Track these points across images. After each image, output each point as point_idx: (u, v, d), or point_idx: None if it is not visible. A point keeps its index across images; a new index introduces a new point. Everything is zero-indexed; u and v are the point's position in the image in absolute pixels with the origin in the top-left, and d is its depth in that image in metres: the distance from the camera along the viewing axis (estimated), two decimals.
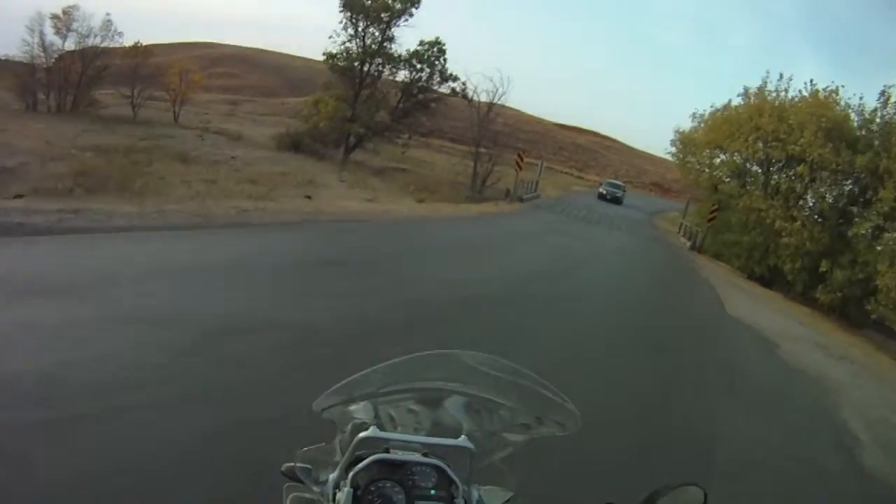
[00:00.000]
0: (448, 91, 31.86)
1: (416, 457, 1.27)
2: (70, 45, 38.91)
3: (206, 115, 44.19)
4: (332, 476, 1.21)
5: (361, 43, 29.82)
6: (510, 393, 1.32)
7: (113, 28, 38.90)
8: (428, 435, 1.34)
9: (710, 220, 27.70)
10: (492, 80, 30.53)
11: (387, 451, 1.27)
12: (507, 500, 1.37)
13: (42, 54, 38.79)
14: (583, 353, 8.53)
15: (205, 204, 11.89)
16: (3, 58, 43.10)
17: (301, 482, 1.24)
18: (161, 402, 4.49)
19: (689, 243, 29.41)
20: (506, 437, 1.37)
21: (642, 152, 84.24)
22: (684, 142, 32.63)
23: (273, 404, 4.65)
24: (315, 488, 1.22)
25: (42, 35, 38.44)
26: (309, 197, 14.86)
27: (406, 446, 1.30)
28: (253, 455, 3.62)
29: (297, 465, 1.26)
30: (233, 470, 3.80)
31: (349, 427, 1.31)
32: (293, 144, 27.51)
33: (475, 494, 1.27)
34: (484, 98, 30.43)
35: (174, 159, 17.42)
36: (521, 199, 28.78)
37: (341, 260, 10.45)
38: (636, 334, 10.67)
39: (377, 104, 29.78)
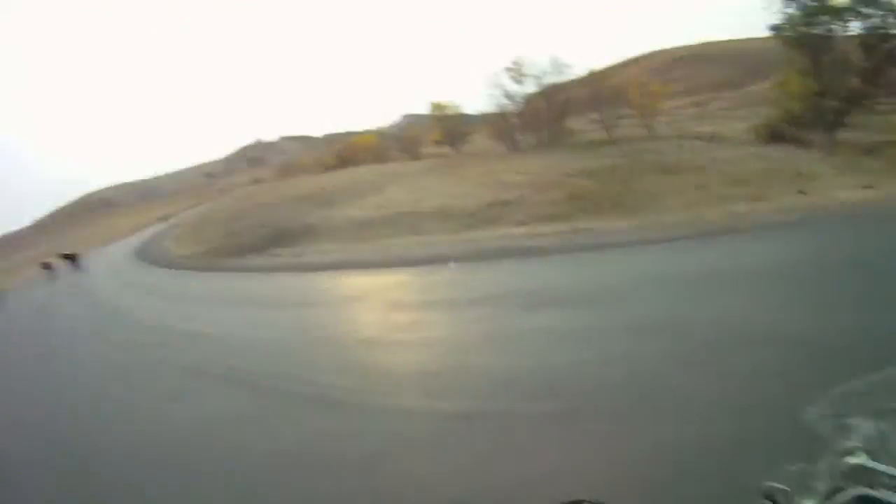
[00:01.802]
0: None
1: None
2: (530, 87, 45.23)
3: (676, 122, 44.57)
4: None
5: (799, 3, 25.45)
6: None
7: (561, 63, 43.44)
8: None
9: None
10: None
11: (872, 486, 1.07)
12: None
13: (509, 102, 46.21)
14: None
15: (699, 212, 11.57)
16: (479, 113, 53.02)
17: None
18: (667, 410, 4.22)
19: None
20: None
21: None
22: None
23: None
24: None
25: (503, 86, 45.92)
26: (803, 192, 13.00)
27: None
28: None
29: (777, 485, 1.16)
30: None
31: (839, 448, 1.16)
32: (771, 135, 24.88)
33: None
34: None
35: (657, 171, 17.63)
36: None
37: (854, 262, 8.26)
38: None
39: (841, 69, 24.63)
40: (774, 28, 26.34)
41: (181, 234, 36.87)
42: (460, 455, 4.18)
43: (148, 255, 30.09)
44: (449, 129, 59.00)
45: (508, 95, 45.45)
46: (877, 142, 22.63)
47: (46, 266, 36.30)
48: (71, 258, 35.45)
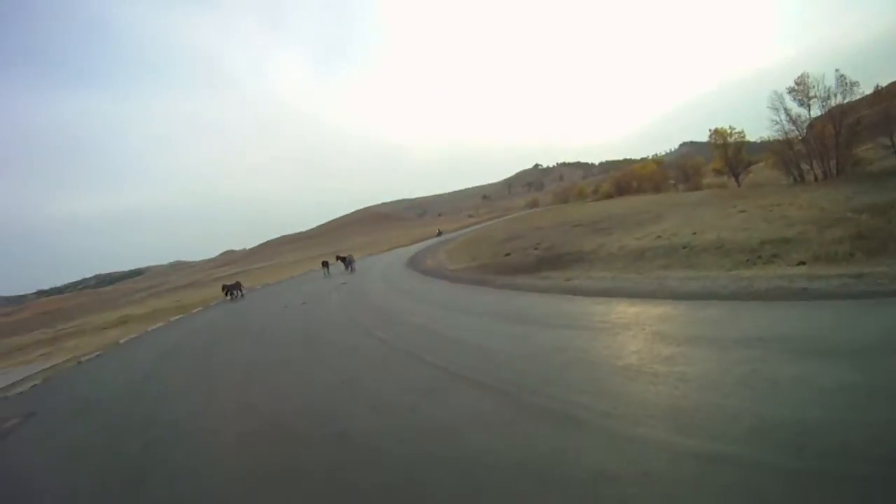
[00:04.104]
0: None
1: None
2: (815, 111, 40.24)
3: None
4: None
5: None
6: None
7: (847, 80, 37.96)
8: None
9: None
10: None
11: None
12: None
13: (793, 127, 41.59)
14: None
15: None
16: (761, 140, 48.29)
17: None
18: None
19: None
20: None
21: None
22: None
23: None
24: None
25: (786, 110, 41.42)
26: None
27: None
28: None
29: None
30: None
31: None
32: None
33: None
34: None
35: None
36: None
37: None
38: None
39: None
40: None
41: (454, 248, 39.70)
42: (695, 496, 4.73)
43: (418, 265, 32.58)
44: (729, 157, 56.03)
45: (792, 120, 41.61)
46: None
47: (325, 264, 43.79)
48: (344, 259, 41.95)
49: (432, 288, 21.55)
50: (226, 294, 39.80)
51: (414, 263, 34.47)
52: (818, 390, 6.17)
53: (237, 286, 40.61)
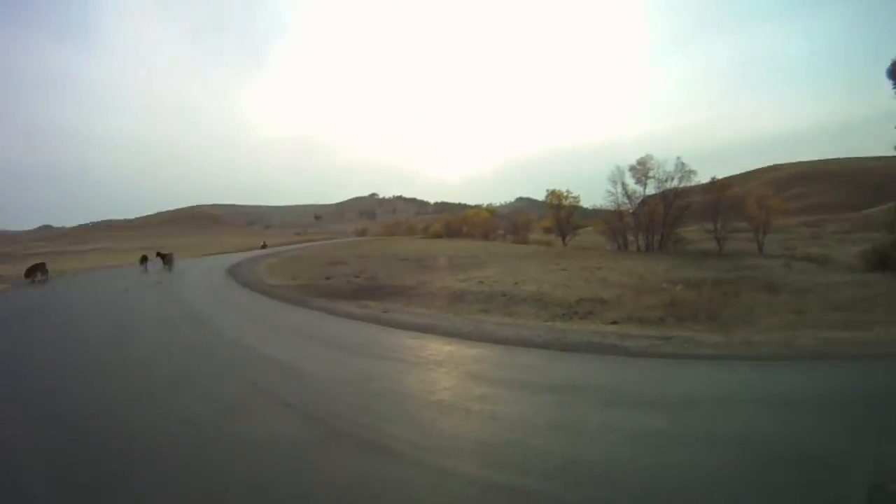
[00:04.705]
0: None
1: None
2: (650, 189, 45.40)
3: (790, 240, 43.33)
4: None
5: None
6: None
7: (685, 168, 43.59)
8: None
9: None
10: None
11: None
12: None
13: (627, 201, 46.59)
14: None
15: (793, 335, 11.40)
16: (593, 207, 53.51)
17: None
18: None
19: None
20: None
21: None
22: None
23: None
24: None
25: (624, 185, 46.43)
26: None
27: None
28: None
29: None
30: None
31: None
32: (879, 261, 23.30)
33: None
34: None
35: (760, 289, 17.48)
36: None
37: None
38: None
39: None
40: None
41: (276, 263, 38.74)
42: None
43: (239, 276, 31.28)
44: (560, 218, 60.14)
45: (628, 194, 46.18)
46: None
47: (144, 259, 40.50)
48: (164, 257, 39.36)
49: (250, 301, 20.50)
50: (27, 276, 34.33)
51: (235, 273, 32.98)
52: (624, 435, 6.39)
53: (41, 268, 35.26)
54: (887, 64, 25.77)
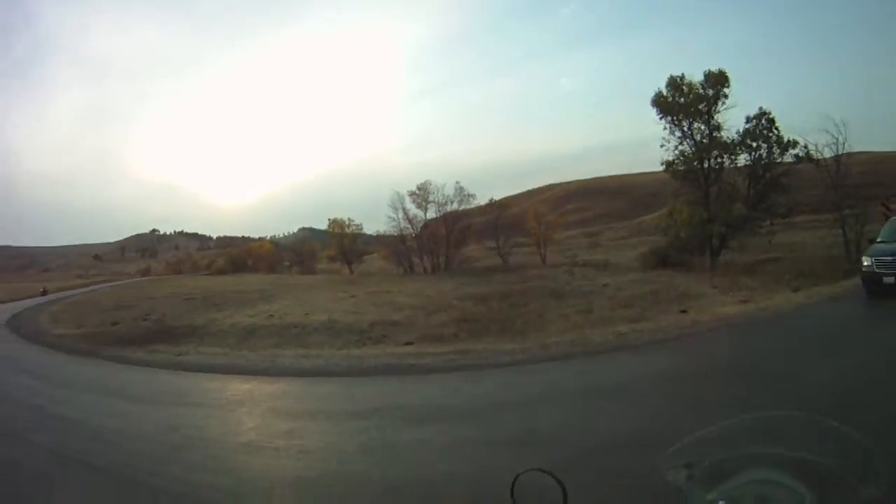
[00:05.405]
0: (792, 159, 28.73)
1: None
2: (431, 213, 47.66)
3: (570, 251, 47.80)
4: None
5: (692, 141, 29.39)
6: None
7: (464, 192, 46.55)
8: None
9: None
10: (827, 131, 26.13)
11: None
12: None
13: (409, 226, 48.32)
14: None
15: (583, 333, 12.43)
16: (376, 234, 54.82)
17: None
18: None
19: None
20: None
21: None
22: None
23: None
24: None
25: (405, 210, 48.20)
26: (684, 311, 14.47)
27: None
28: None
29: None
30: None
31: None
32: (659, 261, 27.68)
33: None
34: (828, 153, 26.39)
35: (548, 297, 18.83)
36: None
37: (715, 369, 9.60)
38: None
39: (729, 197, 28.49)
40: (667, 164, 30.09)
41: (59, 311, 35.00)
42: None
43: (19, 328, 28.02)
44: (345, 246, 60.22)
45: (409, 219, 47.60)
46: (757, 260, 25.60)
47: None
48: None
49: (35, 356, 18.16)
50: None
51: (14, 325, 28.84)
52: (436, 449, 6.45)
53: None
54: (651, 95, 29.96)
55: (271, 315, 21.55)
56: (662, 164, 30.19)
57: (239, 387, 11.32)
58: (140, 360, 15.59)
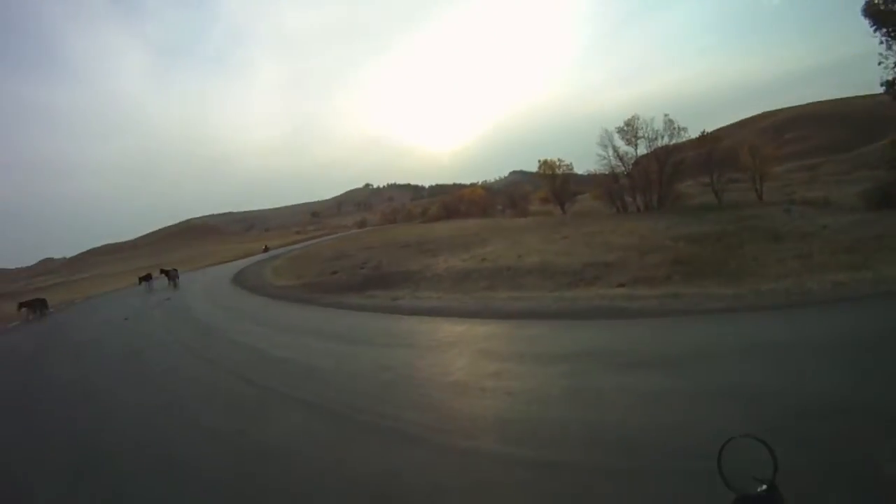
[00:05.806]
0: None
1: None
2: (642, 150, 45.20)
3: (787, 187, 43.24)
4: None
5: None
6: None
7: (674, 125, 43.39)
8: None
9: None
10: None
11: None
12: None
13: (619, 163, 46.31)
14: None
15: (800, 280, 11.37)
16: (587, 173, 53.08)
17: None
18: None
19: None
20: None
21: None
22: None
23: None
24: None
25: (614, 147, 46.13)
26: None
27: None
28: None
29: None
30: None
31: None
32: (883, 199, 23.11)
33: None
34: None
35: (764, 238, 17.38)
36: None
37: None
38: None
39: None
40: (887, 84, 25.28)
41: (280, 265, 38.51)
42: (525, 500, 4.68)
43: (245, 282, 31.29)
44: (556, 187, 59.90)
45: (619, 156, 45.95)
46: None
47: (147, 278, 39.97)
48: (168, 273, 38.68)
49: (258, 306, 20.61)
50: (20, 309, 32.26)
51: (240, 280, 32.91)
52: (639, 398, 6.41)
53: (40, 303, 33.57)
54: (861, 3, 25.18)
55: (484, 259, 22.04)
56: (882, 84, 25.36)
57: (451, 329, 11.89)
58: (357, 306, 16.83)
